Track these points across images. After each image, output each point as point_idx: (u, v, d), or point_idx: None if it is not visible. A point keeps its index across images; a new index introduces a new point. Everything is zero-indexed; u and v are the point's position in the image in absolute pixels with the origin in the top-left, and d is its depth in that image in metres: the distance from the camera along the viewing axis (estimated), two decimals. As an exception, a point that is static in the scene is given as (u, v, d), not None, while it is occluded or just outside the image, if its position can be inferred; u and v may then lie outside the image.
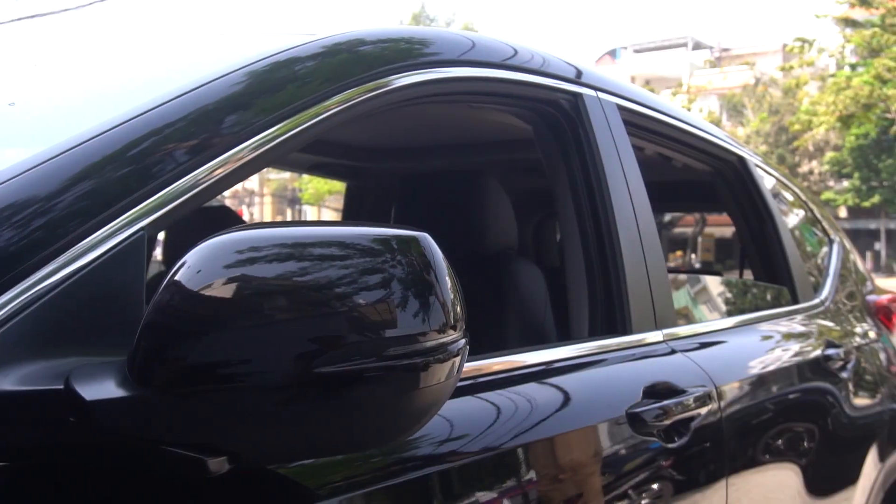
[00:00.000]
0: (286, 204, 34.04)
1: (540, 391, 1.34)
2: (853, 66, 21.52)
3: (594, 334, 1.61)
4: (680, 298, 1.97)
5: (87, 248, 0.85)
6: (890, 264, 34.90)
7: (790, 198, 2.83)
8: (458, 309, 0.84)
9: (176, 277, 0.76)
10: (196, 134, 0.99)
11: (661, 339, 1.68)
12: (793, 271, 2.41)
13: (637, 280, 1.65)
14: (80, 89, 1.39)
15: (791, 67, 21.89)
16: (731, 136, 2.52)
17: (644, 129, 1.97)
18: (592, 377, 1.48)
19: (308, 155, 2.85)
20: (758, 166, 2.51)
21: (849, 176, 33.94)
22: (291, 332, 0.76)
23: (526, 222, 3.71)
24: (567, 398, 1.38)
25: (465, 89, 1.49)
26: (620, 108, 1.82)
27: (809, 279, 2.55)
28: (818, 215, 2.96)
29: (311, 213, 30.11)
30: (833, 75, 21.49)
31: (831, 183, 35.85)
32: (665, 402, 1.49)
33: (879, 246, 35.65)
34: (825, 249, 2.91)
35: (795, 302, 2.39)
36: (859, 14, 20.22)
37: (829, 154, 33.90)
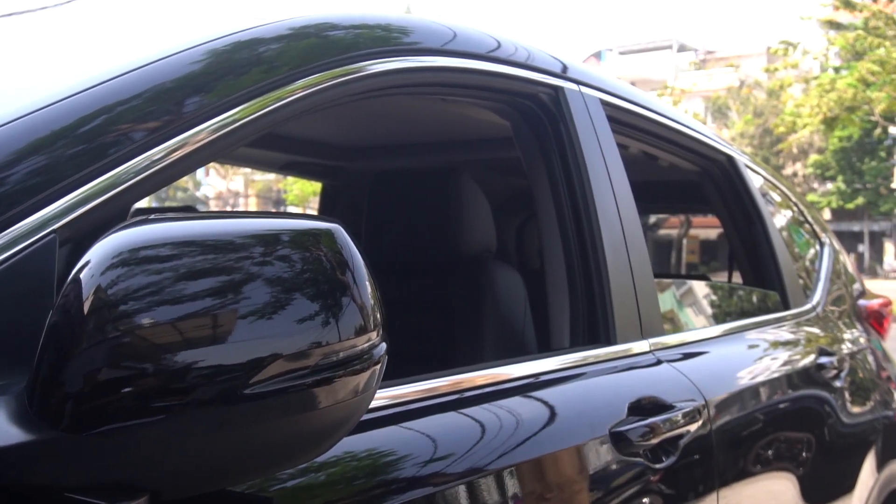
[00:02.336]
0: (271, 205, 33.87)
1: (520, 408, 1.23)
2: (836, 69, 21.58)
3: (576, 344, 1.50)
4: (666, 305, 1.86)
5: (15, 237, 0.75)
6: (873, 266, 35.10)
7: (780, 199, 2.74)
8: (378, 312, 0.76)
9: (80, 276, 0.66)
10: (149, 112, 0.90)
11: (647, 349, 1.57)
12: (783, 276, 2.32)
13: (622, 286, 1.55)
14: (21, 61, 1.28)
15: (776, 69, 21.93)
16: (719, 135, 2.42)
17: (629, 125, 1.87)
18: (574, 392, 1.36)
19: (281, 153, 2.75)
20: (747, 166, 2.41)
21: (832, 178, 34.13)
22: (199, 344, 0.66)
23: (508, 224, 3.61)
24: (547, 416, 1.27)
25: (444, 80, 1.40)
26: (604, 103, 1.72)
27: (800, 284, 2.46)
28: (808, 217, 2.87)
29: (295, 214, 29.82)
30: (817, 78, 21.54)
31: (815, 185, 36.02)
32: (652, 420, 1.38)
33: (863, 248, 35.87)
34: (816, 252, 2.82)
35: (786, 307, 2.30)
36: (843, 17, 20.27)
37: (813, 157, 34.08)
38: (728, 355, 1.88)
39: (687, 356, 1.68)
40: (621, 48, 48.35)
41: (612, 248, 1.55)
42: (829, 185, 34.80)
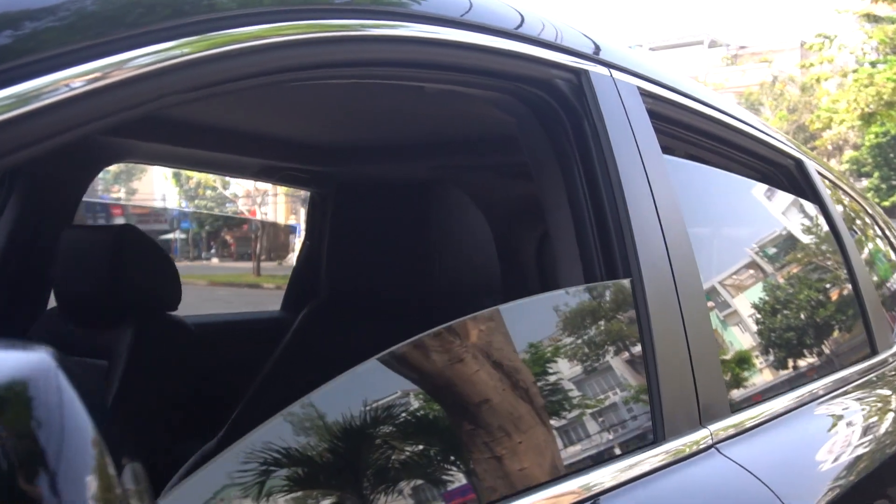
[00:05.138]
0: (300, 203, 33.74)
1: None
2: (873, 64, 20.94)
3: None
4: (727, 362, 1.36)
5: None
6: (911, 265, 34.27)
7: (858, 212, 2.25)
8: None
9: None
10: (59, 24, 0.65)
11: (707, 442, 1.10)
12: (868, 310, 1.82)
13: (670, 345, 1.09)
14: None
15: (811, 65, 21.28)
16: (787, 136, 1.96)
17: (675, 122, 1.41)
18: None
19: (255, 158, 2.38)
20: (819, 173, 1.94)
21: (868, 175, 33.48)
22: None
23: (528, 236, 3.16)
24: None
25: (427, 59, 0.97)
26: (644, 92, 1.27)
27: (887, 319, 1.96)
28: (889, 232, 2.37)
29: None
30: (855, 71, 20.89)
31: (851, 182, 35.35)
32: None
33: (900, 247, 35.10)
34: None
35: (873, 352, 1.80)
36: (882, 9, 19.62)
37: (849, 153, 33.39)
38: (814, 438, 1.38)
39: (761, 447, 1.20)
40: (652, 44, 47.69)
41: (656, 292, 1.10)
42: (865, 182, 34.09)
